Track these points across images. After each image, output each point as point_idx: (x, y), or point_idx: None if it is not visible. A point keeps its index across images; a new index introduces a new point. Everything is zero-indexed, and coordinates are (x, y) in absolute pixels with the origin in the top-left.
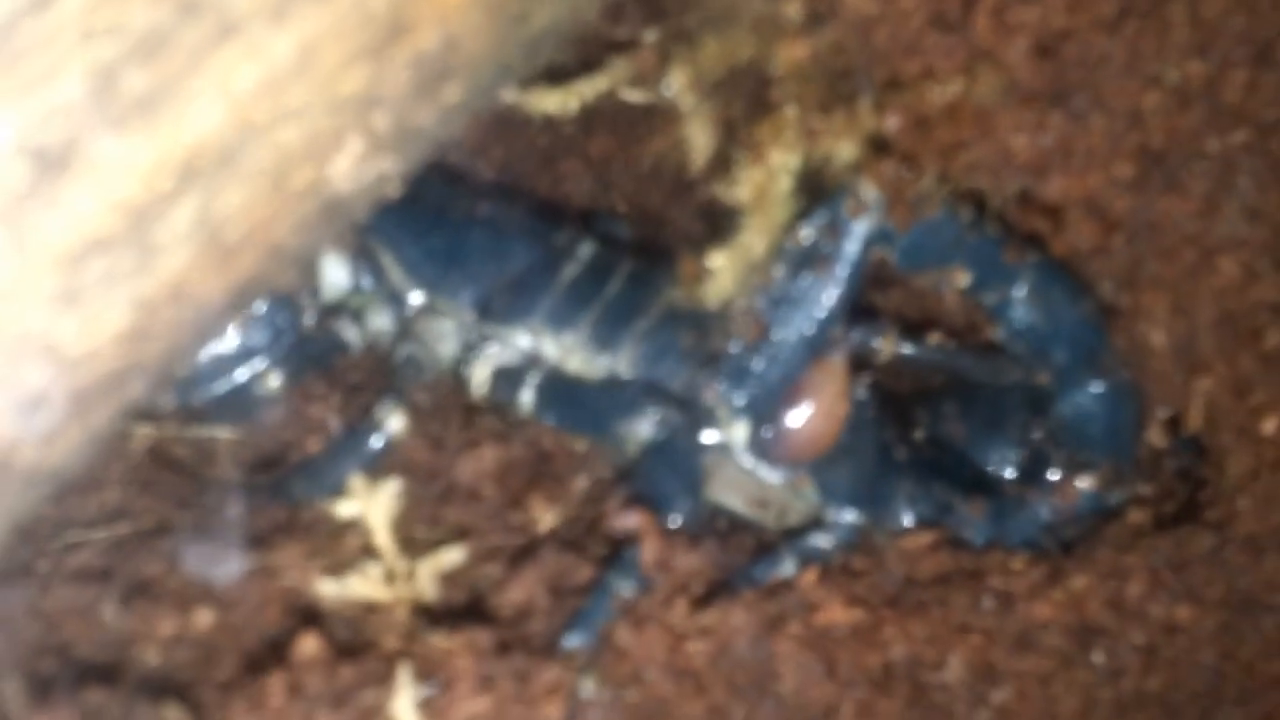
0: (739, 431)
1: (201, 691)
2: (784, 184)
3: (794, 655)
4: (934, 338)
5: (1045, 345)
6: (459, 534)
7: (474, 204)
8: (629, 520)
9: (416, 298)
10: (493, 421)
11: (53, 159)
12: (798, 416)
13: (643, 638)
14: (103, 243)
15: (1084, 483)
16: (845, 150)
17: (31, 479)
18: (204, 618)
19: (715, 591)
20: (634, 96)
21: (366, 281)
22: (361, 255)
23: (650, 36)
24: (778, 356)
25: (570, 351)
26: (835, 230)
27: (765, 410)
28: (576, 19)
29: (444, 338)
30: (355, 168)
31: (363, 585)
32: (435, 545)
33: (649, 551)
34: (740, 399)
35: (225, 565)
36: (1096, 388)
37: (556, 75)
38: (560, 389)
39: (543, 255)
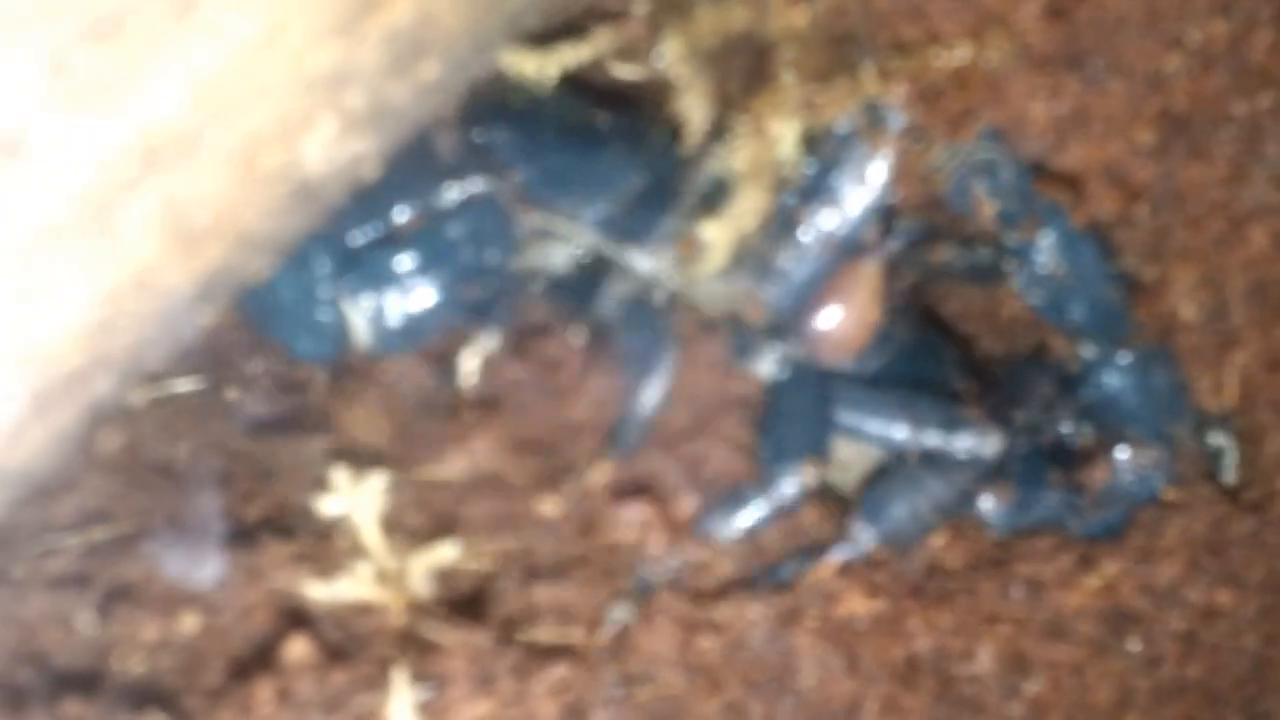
0: None
1: (187, 699)
2: (780, 154)
3: (813, 649)
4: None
5: (1064, 298)
6: (453, 527)
7: (580, 120)
8: (633, 512)
9: (532, 220)
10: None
11: (3, 146)
12: (824, 317)
13: (653, 633)
14: (60, 232)
15: (1122, 454)
16: (846, 119)
17: (2, 480)
18: (188, 622)
19: (728, 583)
20: (623, 71)
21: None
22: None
23: (641, 8)
24: (806, 255)
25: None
26: (871, 127)
27: (793, 308)
28: None
29: (553, 261)
30: (328, 149)
31: (353, 586)
32: (428, 540)
33: (656, 544)
34: (768, 296)
35: (208, 568)
36: (1125, 359)
37: (540, 40)
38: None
39: (663, 169)
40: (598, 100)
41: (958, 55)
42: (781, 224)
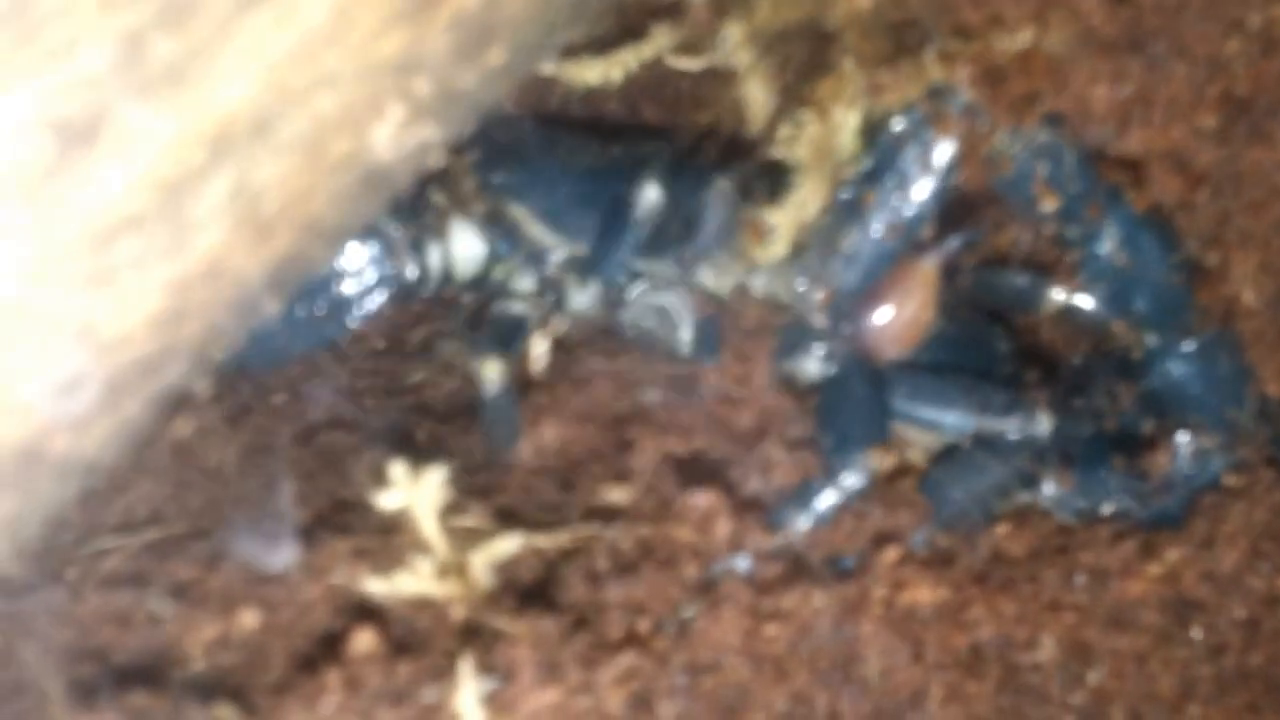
0: None
1: (252, 693)
2: (843, 141)
3: (878, 638)
4: None
5: (1127, 288)
6: (516, 518)
7: (587, 147)
8: (699, 499)
9: (561, 250)
10: (548, 395)
11: (78, 133)
12: (880, 314)
13: (718, 622)
14: (134, 220)
15: (1184, 440)
16: (910, 105)
17: (63, 471)
18: (249, 619)
19: (794, 572)
20: (683, 64)
21: (503, 246)
22: (491, 218)
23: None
24: (871, 242)
25: (725, 276)
26: (936, 111)
27: (847, 303)
28: None
29: (585, 287)
30: (396, 136)
31: (413, 582)
32: (489, 533)
33: (720, 532)
34: (835, 283)
35: (267, 564)
36: (1189, 346)
37: (595, 46)
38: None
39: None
40: (605, 128)
41: (1021, 39)
42: (845, 211)
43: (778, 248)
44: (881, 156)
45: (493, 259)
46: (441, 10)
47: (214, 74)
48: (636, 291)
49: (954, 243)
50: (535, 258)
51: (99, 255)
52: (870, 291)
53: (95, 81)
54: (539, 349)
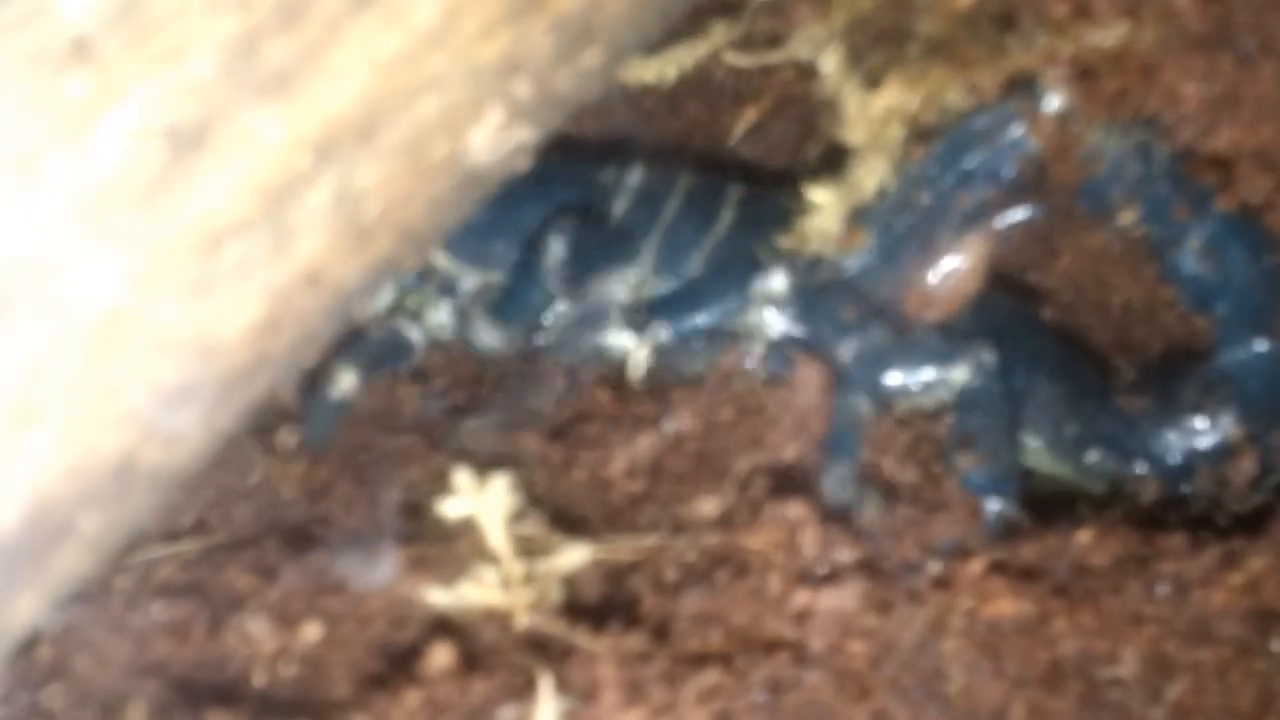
0: None
1: (324, 711)
2: (901, 129)
3: (961, 653)
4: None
5: (1210, 295)
6: (591, 527)
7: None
8: (791, 510)
9: (471, 280)
10: (646, 404)
11: (187, 138)
12: (933, 272)
13: (802, 636)
14: (239, 226)
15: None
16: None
17: (153, 482)
18: (310, 632)
19: (879, 585)
20: (741, 60)
21: (413, 277)
22: None
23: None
24: (918, 216)
25: (637, 286)
26: (1026, 105)
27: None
28: None
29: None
30: (493, 138)
31: (478, 592)
32: (556, 544)
33: (809, 544)
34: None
35: (329, 574)
36: (1260, 346)
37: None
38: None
39: (588, 197)
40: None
41: (1113, 34)
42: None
43: (824, 223)
44: (953, 146)
45: (402, 289)
46: (546, 11)
47: (322, 76)
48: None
49: (1014, 216)
50: (446, 288)
51: (204, 262)
52: (923, 251)
53: (205, 86)
54: (639, 357)
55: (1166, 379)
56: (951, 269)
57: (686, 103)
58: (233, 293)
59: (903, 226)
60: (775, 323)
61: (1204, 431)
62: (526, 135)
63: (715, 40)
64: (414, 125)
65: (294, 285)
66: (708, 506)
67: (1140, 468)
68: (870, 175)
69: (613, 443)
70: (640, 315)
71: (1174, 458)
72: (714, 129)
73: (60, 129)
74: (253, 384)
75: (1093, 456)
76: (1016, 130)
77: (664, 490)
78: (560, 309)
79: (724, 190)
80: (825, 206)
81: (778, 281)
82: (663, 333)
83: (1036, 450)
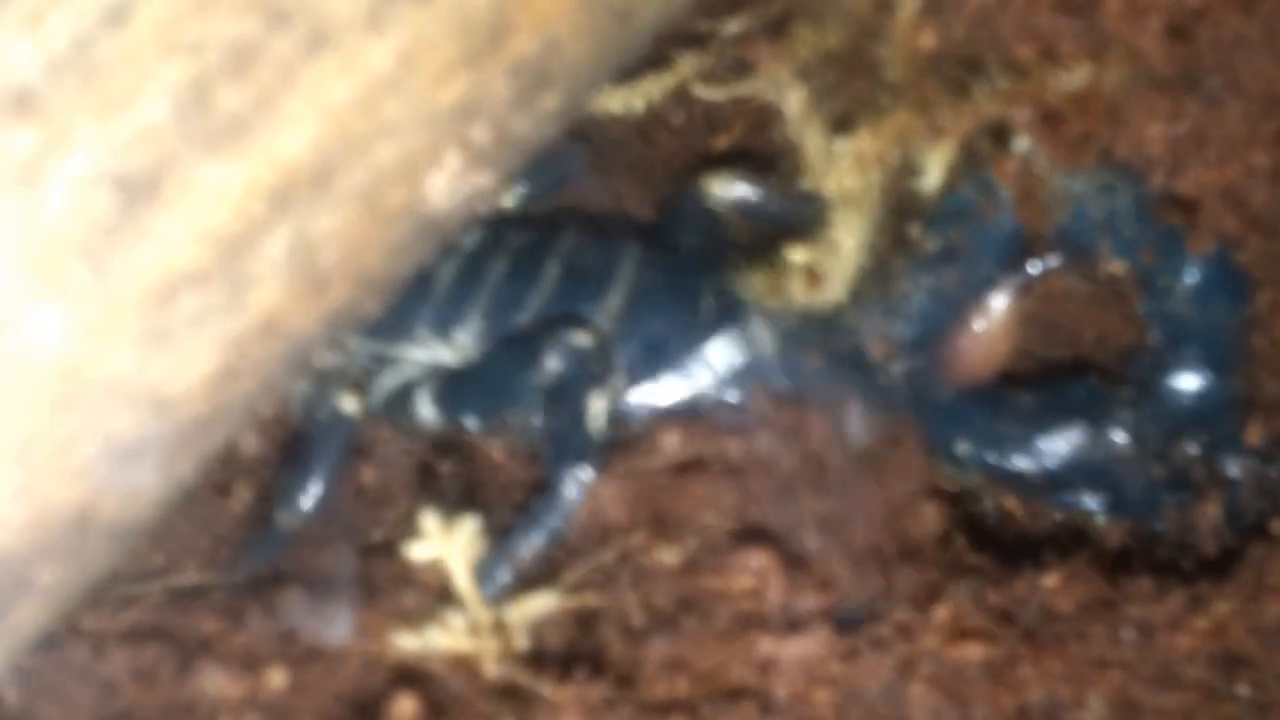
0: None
1: None
2: (879, 178)
3: (926, 699)
4: None
5: (1184, 336)
6: (556, 575)
7: None
8: (754, 559)
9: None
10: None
11: (139, 188)
12: (966, 342)
13: (767, 684)
14: (194, 276)
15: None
16: (962, 143)
17: (112, 536)
18: (276, 678)
19: (843, 632)
20: (708, 93)
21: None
22: None
23: (734, 28)
24: (935, 288)
25: (464, 350)
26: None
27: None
28: (675, 14)
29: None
30: (452, 183)
31: (446, 638)
32: (524, 590)
33: (774, 593)
34: (894, 332)
35: (293, 619)
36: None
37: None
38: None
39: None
40: None
41: (1078, 77)
42: (906, 254)
43: (801, 287)
44: (944, 203)
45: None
46: (502, 55)
47: (276, 123)
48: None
49: (1031, 270)
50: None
51: (158, 314)
52: (954, 321)
53: (156, 133)
54: (597, 408)
55: (1059, 389)
56: (981, 336)
57: (658, 132)
58: (189, 344)
59: (920, 304)
60: (739, 373)
61: (1048, 449)
62: (485, 180)
63: (683, 72)
64: (371, 171)
65: (251, 335)
66: (669, 556)
67: (1000, 465)
68: (848, 232)
69: None
70: (602, 367)
71: (1027, 465)
72: (685, 160)
73: (7, 180)
74: (211, 434)
75: (962, 447)
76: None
77: (624, 540)
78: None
79: (551, 246)
80: (813, 265)
81: (760, 334)
82: (622, 385)
83: None
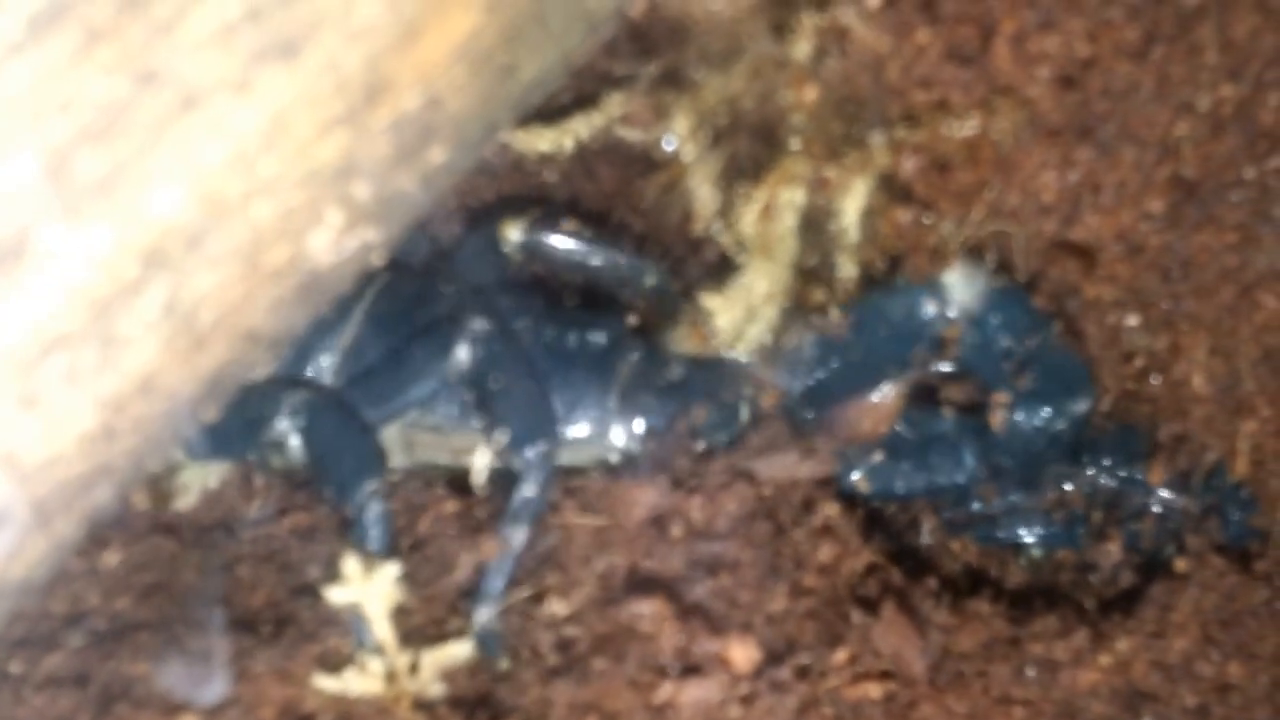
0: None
1: None
2: (788, 226)
3: None
4: None
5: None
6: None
7: None
8: (645, 607)
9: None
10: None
11: (4, 250)
12: (854, 417)
13: None
14: (63, 339)
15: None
16: (856, 193)
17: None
18: None
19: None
20: (631, 135)
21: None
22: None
23: (647, 74)
24: (827, 355)
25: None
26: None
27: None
28: (566, 65)
29: None
30: (335, 241)
31: (363, 682)
32: (440, 637)
33: (669, 639)
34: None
35: (209, 663)
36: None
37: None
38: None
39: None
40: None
41: (968, 125)
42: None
43: (722, 331)
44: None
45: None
46: (381, 112)
47: (144, 186)
48: None
49: (925, 371)
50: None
51: (26, 377)
52: (845, 402)
53: (22, 195)
54: (481, 463)
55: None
56: (866, 417)
57: (599, 167)
58: (60, 406)
59: (826, 376)
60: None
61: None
62: (372, 235)
63: (610, 112)
64: (249, 230)
65: (128, 394)
66: (558, 606)
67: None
68: (758, 280)
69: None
70: (487, 426)
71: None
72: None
73: None
74: (94, 492)
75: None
76: (930, 308)
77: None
78: None
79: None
80: (719, 314)
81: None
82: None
83: None
